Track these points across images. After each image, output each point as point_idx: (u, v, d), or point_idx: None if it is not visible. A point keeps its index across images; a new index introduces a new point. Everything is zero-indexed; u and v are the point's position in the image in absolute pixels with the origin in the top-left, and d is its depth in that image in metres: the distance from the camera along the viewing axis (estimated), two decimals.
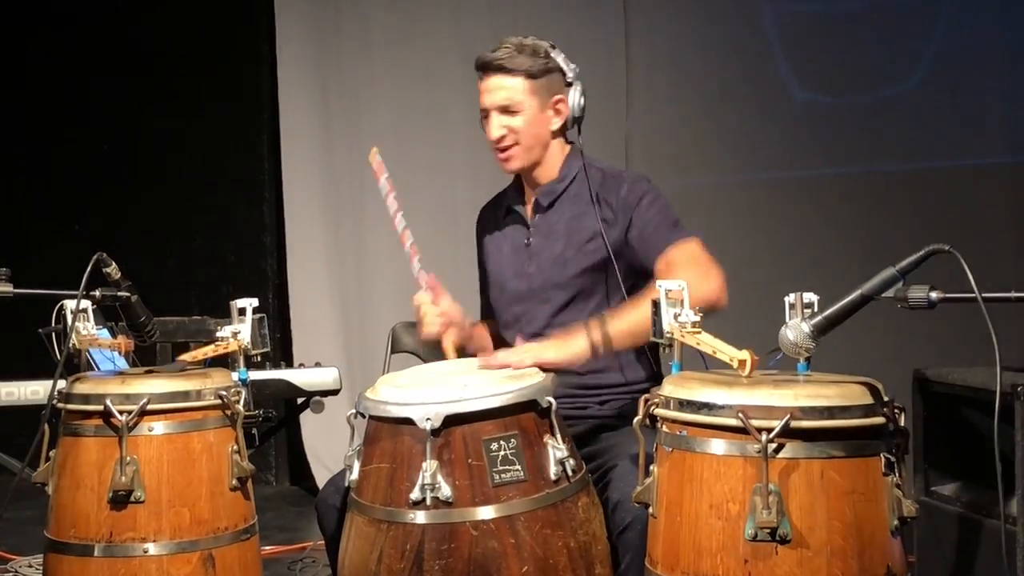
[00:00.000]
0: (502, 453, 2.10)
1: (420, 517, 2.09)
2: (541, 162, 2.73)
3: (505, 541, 2.08)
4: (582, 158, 2.73)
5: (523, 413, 2.14)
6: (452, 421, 2.10)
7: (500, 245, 2.81)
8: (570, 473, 2.16)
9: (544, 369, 2.32)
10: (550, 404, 2.16)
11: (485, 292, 2.94)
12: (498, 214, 2.86)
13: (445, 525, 2.08)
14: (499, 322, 2.82)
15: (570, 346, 2.40)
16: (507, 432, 2.12)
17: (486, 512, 2.09)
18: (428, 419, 2.08)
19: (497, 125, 2.66)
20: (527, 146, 2.68)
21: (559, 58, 2.67)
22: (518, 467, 2.11)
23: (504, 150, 2.68)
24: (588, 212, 2.66)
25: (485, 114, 2.68)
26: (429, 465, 2.08)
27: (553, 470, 2.14)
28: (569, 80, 2.68)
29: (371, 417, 2.20)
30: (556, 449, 2.15)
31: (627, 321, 2.43)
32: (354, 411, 2.23)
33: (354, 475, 2.21)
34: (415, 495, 2.09)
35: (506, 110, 2.66)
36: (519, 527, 2.09)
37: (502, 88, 2.65)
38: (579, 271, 2.63)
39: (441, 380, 2.27)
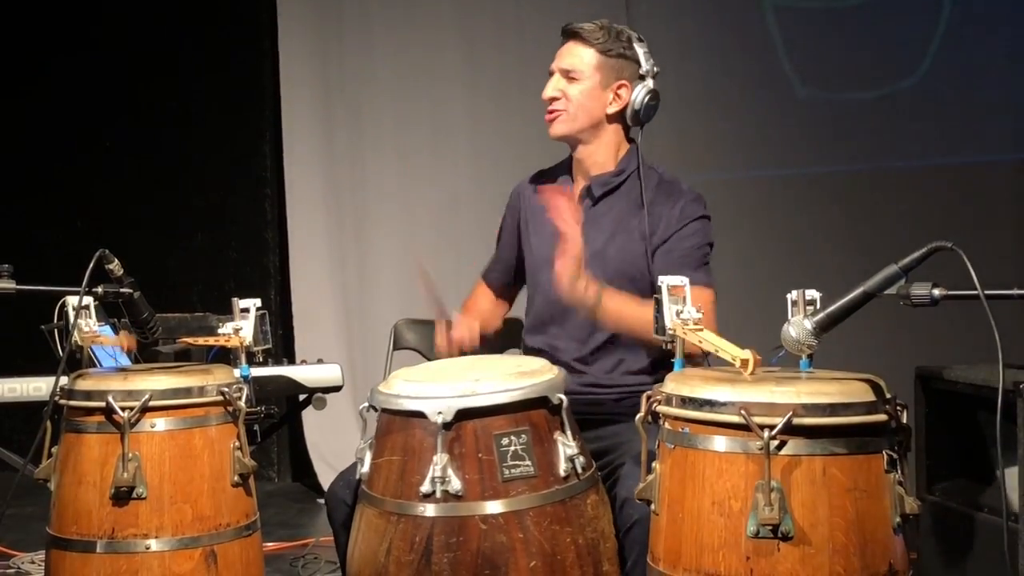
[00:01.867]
0: (512, 448, 2.11)
1: (430, 510, 2.10)
2: (588, 142, 2.73)
3: (513, 536, 2.09)
4: (640, 157, 2.73)
5: (534, 409, 2.15)
6: (464, 415, 2.11)
7: (543, 224, 2.75)
8: (580, 470, 2.16)
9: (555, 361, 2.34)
10: (561, 401, 2.17)
11: (497, 261, 2.96)
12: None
13: (454, 518, 2.09)
14: (530, 306, 2.83)
15: (575, 279, 2.48)
16: (518, 427, 2.13)
17: (495, 506, 2.09)
18: (440, 413, 2.09)
19: (553, 86, 2.71)
20: (573, 114, 2.70)
21: (641, 51, 2.70)
22: (528, 462, 2.12)
23: (552, 111, 2.71)
24: (636, 216, 2.67)
25: (551, 76, 2.73)
26: (440, 458, 2.09)
27: (563, 467, 2.14)
28: (642, 73, 2.69)
29: (383, 410, 2.21)
30: (566, 446, 2.16)
31: (623, 306, 2.52)
32: (367, 404, 2.24)
33: (365, 468, 2.22)
34: (425, 488, 2.09)
35: (567, 74, 2.70)
36: (528, 522, 2.10)
37: (571, 54, 2.70)
38: (614, 271, 2.63)
39: (454, 375, 2.27)
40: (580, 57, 2.68)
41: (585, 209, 2.73)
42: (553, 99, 2.70)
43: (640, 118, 2.70)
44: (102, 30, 5.73)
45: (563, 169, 2.83)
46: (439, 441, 2.09)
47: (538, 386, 2.17)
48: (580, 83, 2.68)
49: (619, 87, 2.69)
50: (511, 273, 2.92)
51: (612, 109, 2.70)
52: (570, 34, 2.71)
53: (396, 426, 2.17)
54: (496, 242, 2.97)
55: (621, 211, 2.70)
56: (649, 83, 2.69)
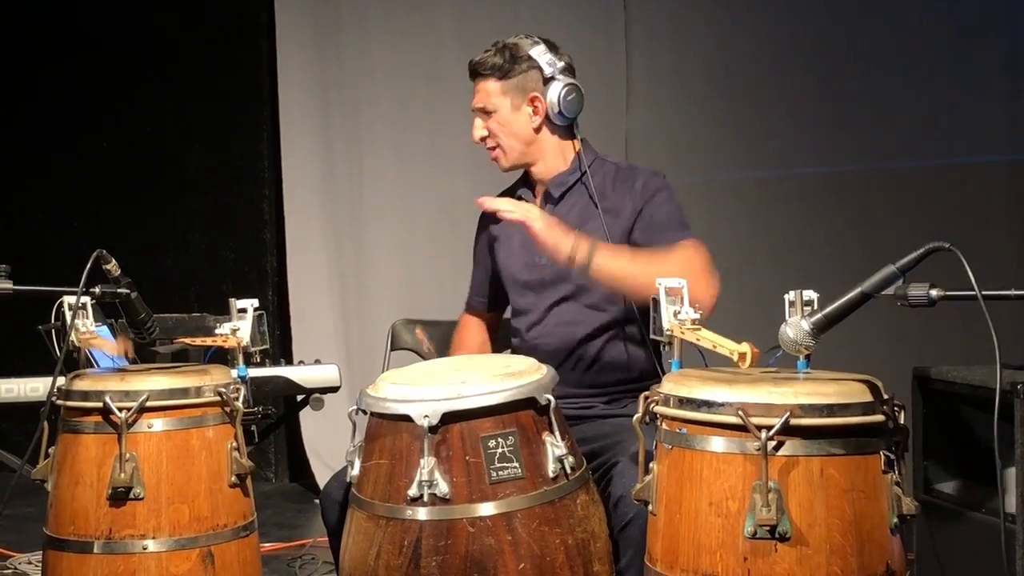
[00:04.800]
0: (500, 450, 2.11)
1: (418, 514, 2.10)
2: (536, 159, 2.77)
3: (502, 538, 2.08)
4: (594, 153, 2.76)
5: (521, 410, 2.14)
6: (450, 418, 2.10)
7: (509, 236, 2.81)
8: (569, 471, 2.16)
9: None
10: (549, 401, 2.16)
11: (476, 285, 2.97)
12: None
13: (443, 522, 2.09)
14: (511, 310, 2.84)
15: (559, 239, 2.49)
16: (505, 429, 2.12)
17: (484, 509, 2.09)
18: (426, 416, 2.09)
19: (478, 127, 2.76)
20: (507, 145, 2.74)
21: (539, 55, 2.69)
22: (516, 464, 2.11)
23: (490, 150, 2.77)
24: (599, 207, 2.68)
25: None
26: (426, 462, 2.09)
27: (551, 468, 2.14)
28: (547, 76, 2.69)
29: (372, 414, 2.21)
30: (555, 447, 2.15)
31: (615, 259, 2.51)
32: (355, 407, 2.24)
33: (355, 471, 2.21)
34: (413, 492, 2.09)
35: (484, 111, 2.74)
36: (516, 524, 2.09)
37: (478, 92, 2.75)
38: None
39: (441, 377, 2.27)
40: (485, 91, 2.72)
41: (548, 212, 2.74)
42: (484, 139, 2.75)
43: (566, 115, 2.71)
44: (100, 31, 5.73)
45: (522, 183, 2.86)
46: (425, 444, 2.09)
47: (525, 387, 2.16)
48: (496, 115, 2.72)
49: (532, 100, 2.71)
50: (491, 293, 2.94)
51: (536, 122, 2.72)
52: (472, 72, 2.74)
53: (383, 429, 2.17)
54: (473, 268, 2.99)
55: (583, 206, 2.72)
56: (558, 83, 2.69)
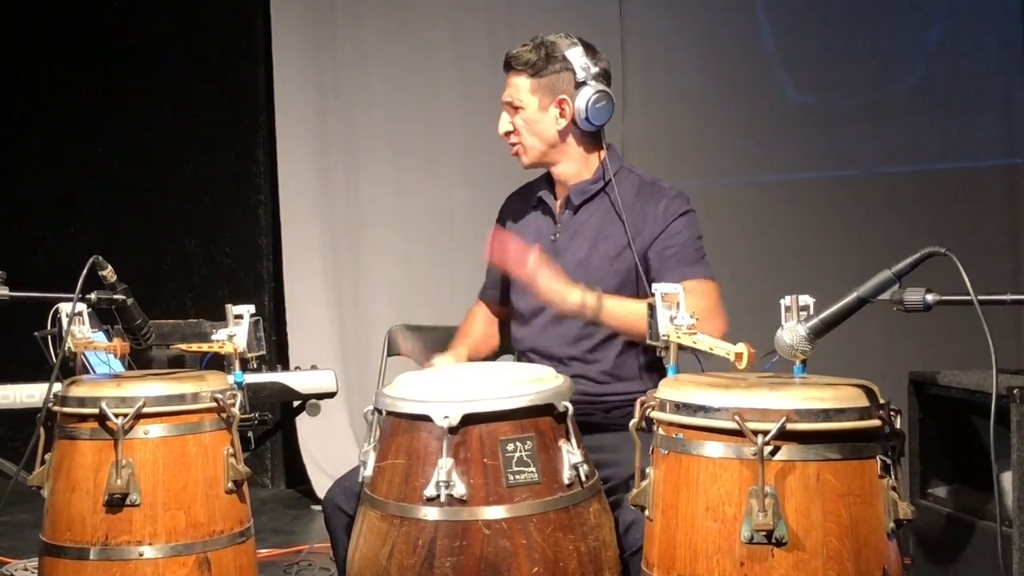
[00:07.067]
0: (518, 454, 2.11)
1: (433, 514, 2.10)
2: (558, 161, 2.74)
3: (517, 541, 2.09)
4: (619, 163, 2.74)
5: (540, 416, 2.16)
6: (470, 420, 2.11)
7: (524, 234, 2.79)
8: (583, 479, 2.17)
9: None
10: (567, 409, 2.17)
11: (490, 276, 2.96)
12: (526, 203, 2.86)
13: (458, 523, 2.09)
14: (515, 311, 2.82)
15: (564, 290, 2.52)
16: (524, 434, 2.13)
17: (499, 512, 2.10)
18: (446, 416, 2.10)
19: (504, 121, 2.73)
20: (528, 144, 2.72)
21: (575, 56, 2.67)
22: (533, 469, 2.12)
23: (512, 146, 2.74)
24: (617, 222, 2.67)
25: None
26: (445, 463, 2.09)
27: (567, 474, 2.15)
28: (580, 80, 2.66)
29: (389, 413, 2.21)
30: (571, 454, 2.16)
31: (622, 306, 2.54)
32: (371, 407, 2.24)
33: (368, 471, 2.22)
34: (430, 492, 2.10)
35: (511, 106, 2.71)
36: (531, 528, 2.10)
37: (509, 86, 2.72)
38: (601, 277, 2.63)
39: (460, 379, 2.28)
40: (516, 87, 2.70)
41: (567, 219, 2.74)
42: (508, 133, 2.73)
43: (593, 123, 2.68)
44: (97, 37, 5.73)
45: (544, 182, 2.84)
46: (445, 445, 2.10)
47: (544, 393, 2.18)
48: (522, 112, 2.69)
49: (560, 103, 2.68)
50: (504, 287, 2.92)
51: (562, 125, 2.69)
52: (505, 65, 2.72)
53: (401, 429, 2.18)
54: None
55: (602, 218, 2.70)
56: (589, 88, 2.66)
